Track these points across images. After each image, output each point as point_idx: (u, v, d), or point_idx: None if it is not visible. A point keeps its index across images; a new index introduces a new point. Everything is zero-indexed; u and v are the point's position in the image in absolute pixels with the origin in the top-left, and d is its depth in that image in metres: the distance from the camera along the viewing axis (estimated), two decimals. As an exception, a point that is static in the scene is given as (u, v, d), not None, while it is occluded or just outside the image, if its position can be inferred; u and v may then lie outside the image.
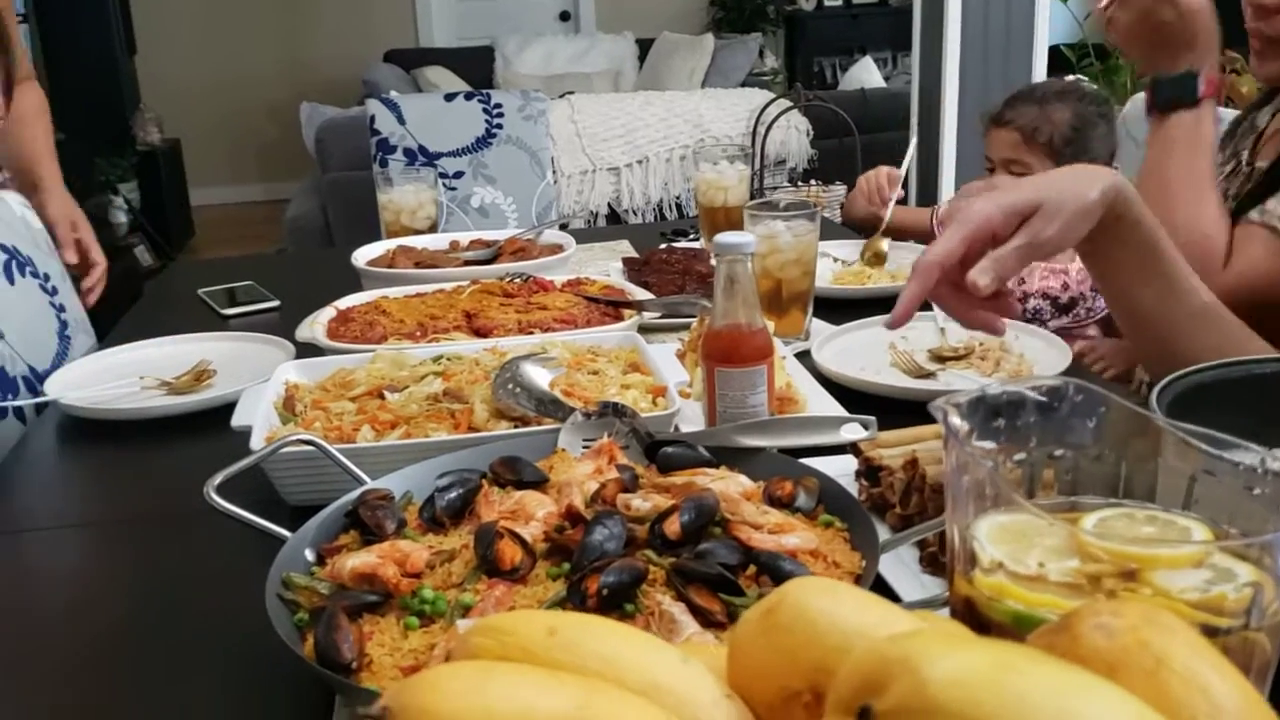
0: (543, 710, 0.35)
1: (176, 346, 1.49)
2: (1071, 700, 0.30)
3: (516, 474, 0.92)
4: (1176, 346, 0.99)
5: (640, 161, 3.65)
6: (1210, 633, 0.48)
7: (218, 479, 0.87)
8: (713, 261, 1.35)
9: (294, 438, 0.96)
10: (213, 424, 1.22)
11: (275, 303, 1.74)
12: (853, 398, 1.22)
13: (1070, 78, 2.24)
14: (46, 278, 1.62)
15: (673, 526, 0.79)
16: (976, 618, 0.54)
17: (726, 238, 1.05)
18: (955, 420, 0.59)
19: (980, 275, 0.86)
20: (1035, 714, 0.29)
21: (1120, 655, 0.37)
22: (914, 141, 2.41)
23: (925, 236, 2.24)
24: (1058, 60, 3.94)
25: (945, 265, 0.88)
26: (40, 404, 1.36)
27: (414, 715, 0.35)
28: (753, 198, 1.78)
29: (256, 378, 1.25)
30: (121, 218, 5.15)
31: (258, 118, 6.75)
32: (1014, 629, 0.52)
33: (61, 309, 1.62)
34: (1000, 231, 0.88)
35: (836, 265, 1.79)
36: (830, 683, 0.39)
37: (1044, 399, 0.64)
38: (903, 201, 2.13)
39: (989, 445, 0.63)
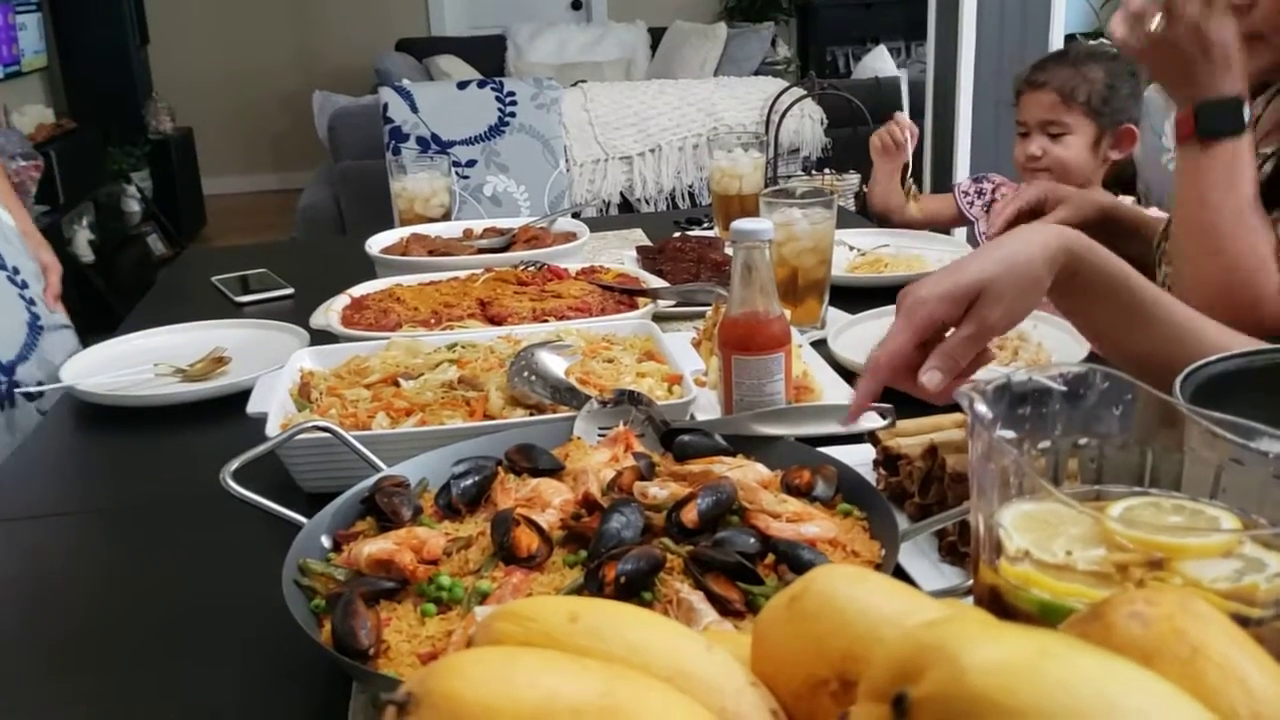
0: (567, 696, 0.35)
1: (190, 334, 1.49)
2: (1113, 689, 0.29)
3: (532, 461, 0.92)
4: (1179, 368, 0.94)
5: (653, 150, 3.63)
6: (1241, 623, 0.47)
7: (234, 465, 0.87)
8: (728, 249, 1.34)
9: (310, 424, 0.96)
10: (228, 411, 1.22)
11: (289, 290, 1.74)
12: (870, 387, 1.21)
13: (1092, 41, 2.21)
14: (16, 270, 1.60)
15: (690, 514, 0.79)
16: (1002, 607, 0.53)
17: (744, 224, 1.04)
18: (981, 407, 0.58)
19: (929, 377, 0.85)
20: (1075, 703, 0.29)
21: (1156, 644, 0.36)
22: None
23: (953, 221, 2.24)
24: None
25: (896, 364, 0.87)
26: (45, 390, 1.36)
27: (438, 701, 0.34)
28: (767, 186, 1.77)
29: (271, 365, 1.24)
30: (134, 206, 5.16)
31: (270, 107, 6.75)
32: (1041, 618, 0.51)
33: (32, 302, 1.60)
34: (947, 319, 0.86)
35: (852, 254, 1.78)
36: (858, 670, 0.38)
37: (1069, 386, 0.63)
38: (915, 176, 2.11)
39: (1012, 434, 0.62)
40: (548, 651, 0.38)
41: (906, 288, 0.89)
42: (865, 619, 0.41)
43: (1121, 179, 2.05)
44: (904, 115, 2.04)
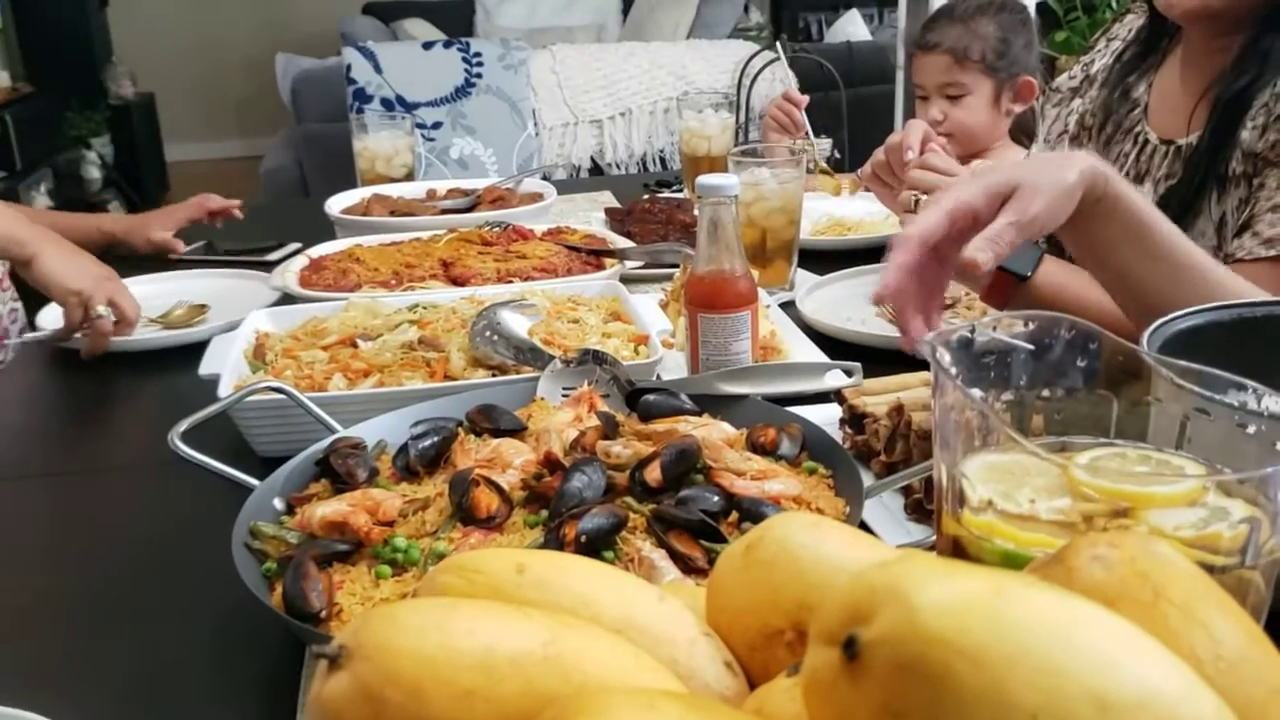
0: (506, 647, 0.33)
1: (154, 285, 1.46)
2: (1072, 631, 0.28)
3: (493, 422, 0.90)
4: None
5: (623, 114, 3.58)
6: (1205, 571, 0.47)
7: (182, 426, 0.85)
8: (696, 211, 1.32)
9: (263, 385, 0.94)
10: (183, 367, 1.18)
11: (298, 245, 1.68)
12: (838, 348, 1.20)
13: None
14: None
15: (653, 473, 0.77)
16: (965, 558, 0.52)
17: (709, 179, 1.02)
18: (945, 357, 0.57)
19: (978, 252, 0.82)
20: (1033, 642, 0.28)
21: (1118, 587, 0.35)
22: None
23: None
24: (1044, 12, 3.88)
25: (928, 241, 0.84)
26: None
27: (371, 653, 0.33)
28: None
29: (236, 315, 1.21)
30: (95, 173, 5.06)
31: (234, 72, 6.62)
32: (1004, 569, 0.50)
33: None
34: (983, 213, 0.84)
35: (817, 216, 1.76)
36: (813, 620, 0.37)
37: (1034, 338, 0.62)
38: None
39: (976, 389, 0.61)
40: (489, 602, 0.36)
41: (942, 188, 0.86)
42: (821, 567, 0.40)
43: (1025, 130, 1.99)
44: (793, 90, 1.95)
